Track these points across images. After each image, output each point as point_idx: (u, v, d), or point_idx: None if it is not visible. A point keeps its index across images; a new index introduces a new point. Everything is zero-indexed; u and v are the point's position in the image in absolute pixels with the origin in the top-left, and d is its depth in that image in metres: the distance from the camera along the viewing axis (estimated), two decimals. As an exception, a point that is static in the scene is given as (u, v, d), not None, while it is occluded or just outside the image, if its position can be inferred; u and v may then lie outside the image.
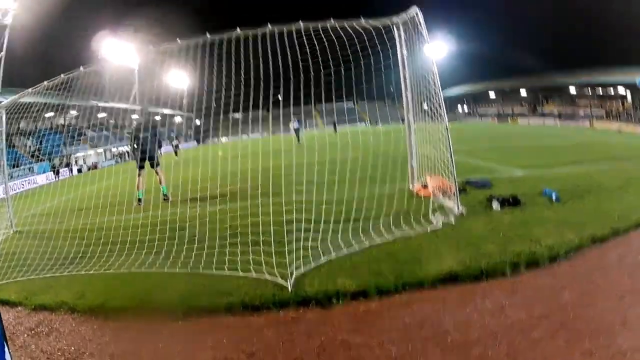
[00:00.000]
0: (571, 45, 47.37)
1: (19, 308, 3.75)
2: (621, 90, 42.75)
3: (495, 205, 5.15)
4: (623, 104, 42.22)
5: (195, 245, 4.57)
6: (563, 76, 50.03)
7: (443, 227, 4.55)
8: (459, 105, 70.27)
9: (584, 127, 39.88)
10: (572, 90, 50.82)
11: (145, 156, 8.22)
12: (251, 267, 3.79)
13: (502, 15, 51.98)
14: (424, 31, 5.42)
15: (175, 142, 26.77)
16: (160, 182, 8.50)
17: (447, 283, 3.28)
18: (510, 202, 5.19)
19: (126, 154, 37.68)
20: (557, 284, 3.14)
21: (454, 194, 5.19)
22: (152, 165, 8.34)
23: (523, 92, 60.04)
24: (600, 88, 46.41)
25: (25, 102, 7.92)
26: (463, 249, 3.82)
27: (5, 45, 34.96)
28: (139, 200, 8.21)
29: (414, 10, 5.54)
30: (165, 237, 4.96)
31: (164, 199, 8.21)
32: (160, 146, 9.08)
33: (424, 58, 5.91)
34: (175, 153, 24.71)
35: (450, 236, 4.23)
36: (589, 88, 47.81)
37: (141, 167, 8.38)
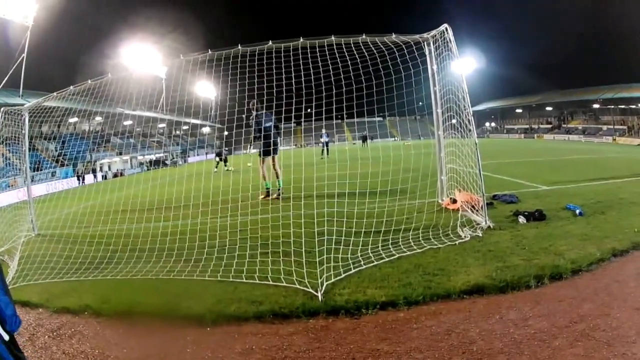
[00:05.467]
0: (595, 62, 47.05)
1: (40, 310, 3.70)
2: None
3: (522, 219, 5.16)
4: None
5: (226, 254, 4.53)
6: (587, 92, 49.92)
7: (471, 240, 4.52)
8: (487, 122, 71.43)
9: (607, 142, 39.24)
10: (596, 106, 50.18)
11: (270, 142, 7.57)
12: (282, 277, 3.77)
13: (530, 33, 52.12)
14: (454, 47, 5.44)
15: (218, 150, 21.25)
16: (277, 177, 7.92)
17: (474, 294, 3.32)
18: (536, 216, 5.20)
19: (153, 163, 35.76)
20: (578, 296, 3.19)
21: (482, 208, 5.17)
22: (275, 152, 7.86)
23: (549, 108, 59.76)
24: (622, 105, 45.83)
25: (50, 106, 7.74)
26: (489, 262, 3.85)
27: (26, 48, 35.00)
28: (267, 191, 7.56)
29: (444, 27, 5.58)
30: (194, 245, 4.89)
31: (278, 196, 7.64)
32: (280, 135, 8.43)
33: (454, 74, 5.91)
34: (224, 162, 19.95)
35: (478, 249, 4.23)
36: (612, 105, 47.16)
37: (266, 154, 7.69)
